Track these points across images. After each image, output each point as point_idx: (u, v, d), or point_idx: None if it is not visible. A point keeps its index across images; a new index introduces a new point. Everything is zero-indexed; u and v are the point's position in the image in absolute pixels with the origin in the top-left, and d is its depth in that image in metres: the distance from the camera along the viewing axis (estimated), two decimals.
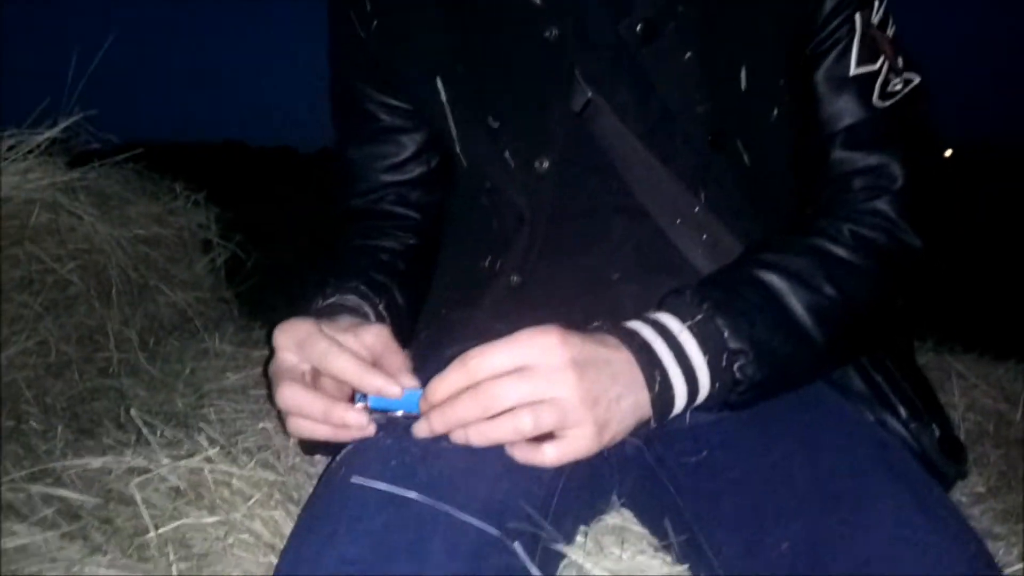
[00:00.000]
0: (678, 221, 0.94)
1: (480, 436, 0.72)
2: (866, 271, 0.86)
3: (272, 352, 0.82)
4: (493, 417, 0.72)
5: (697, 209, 0.94)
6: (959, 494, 1.09)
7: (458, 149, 1.01)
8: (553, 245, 0.97)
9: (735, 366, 0.78)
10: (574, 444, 0.72)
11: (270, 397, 0.84)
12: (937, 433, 0.91)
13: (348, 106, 1.12)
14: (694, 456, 0.86)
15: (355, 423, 0.75)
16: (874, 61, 0.93)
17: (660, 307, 0.81)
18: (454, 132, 1.00)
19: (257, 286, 2.30)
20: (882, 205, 0.89)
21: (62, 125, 1.57)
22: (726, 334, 0.78)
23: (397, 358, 0.80)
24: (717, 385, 0.78)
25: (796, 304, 0.83)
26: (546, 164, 0.95)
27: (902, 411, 0.91)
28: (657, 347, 0.76)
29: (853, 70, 0.92)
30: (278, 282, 2.42)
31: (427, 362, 0.91)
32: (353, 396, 0.79)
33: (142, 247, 1.83)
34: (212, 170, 2.39)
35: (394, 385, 0.75)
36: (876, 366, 0.95)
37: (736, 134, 0.93)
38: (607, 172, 0.95)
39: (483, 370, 0.71)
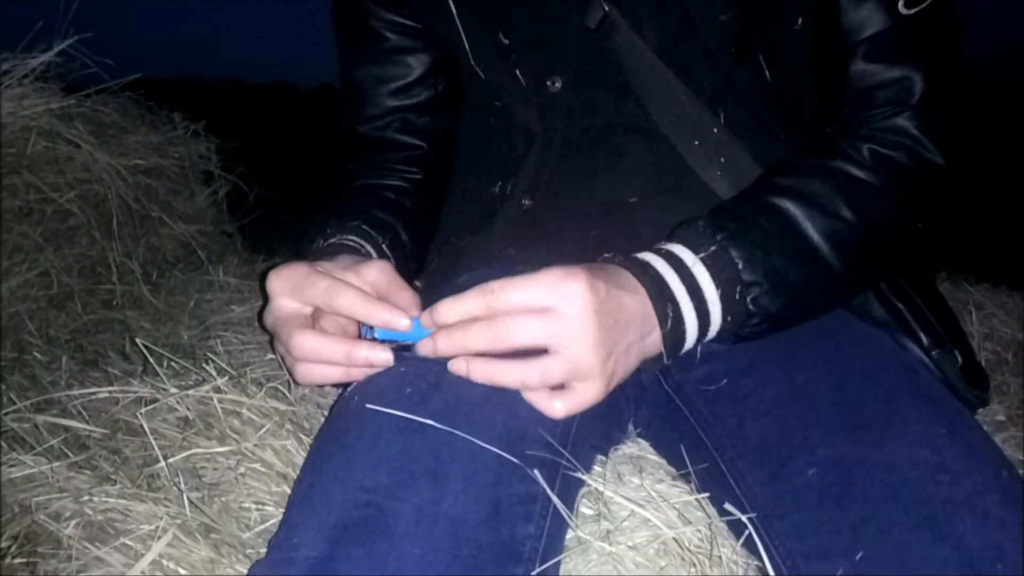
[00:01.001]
0: (696, 143, 0.91)
1: (481, 372, 0.70)
2: (886, 193, 0.83)
3: (267, 300, 0.79)
4: (501, 357, 0.70)
5: (716, 130, 0.90)
6: (980, 422, 1.08)
7: (472, 62, 0.97)
8: (566, 167, 0.95)
9: (748, 299, 0.76)
10: (581, 397, 0.71)
11: (272, 345, 0.81)
12: (960, 360, 0.89)
13: (353, 25, 1.08)
14: (714, 384, 0.85)
15: (381, 361, 0.73)
16: None
17: (672, 238, 0.78)
18: (467, 47, 0.96)
19: (260, 219, 2.27)
20: (903, 121, 0.85)
21: (57, 48, 1.52)
22: (740, 266, 0.75)
23: (404, 294, 0.77)
24: (729, 319, 0.75)
25: (813, 231, 0.79)
26: (559, 83, 0.92)
27: (924, 338, 0.89)
28: (670, 280, 0.74)
29: None
30: (281, 216, 2.39)
31: (437, 290, 0.89)
32: (359, 334, 0.76)
33: (142, 177, 1.79)
34: (211, 104, 2.34)
35: (403, 316, 0.73)
36: (897, 293, 0.92)
37: (759, 46, 0.89)
38: (623, 91, 0.92)
39: (503, 302, 0.68)
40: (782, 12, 0.89)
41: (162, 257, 1.85)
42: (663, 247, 0.77)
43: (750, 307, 0.76)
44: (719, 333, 0.77)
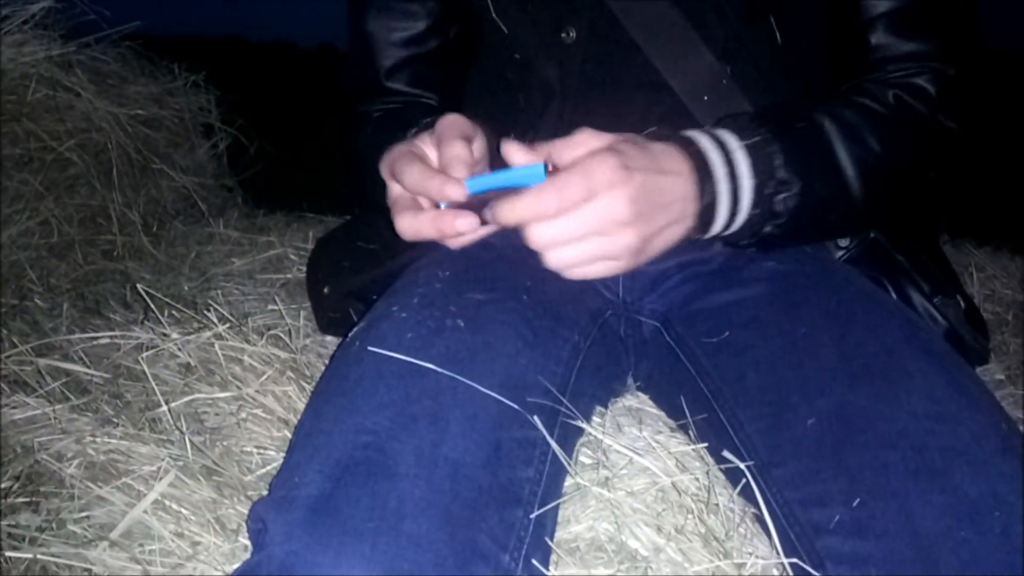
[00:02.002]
0: (704, 97, 0.90)
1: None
2: (908, 134, 0.84)
3: None
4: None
5: (725, 82, 0.90)
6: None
7: (494, 14, 0.95)
8: (580, 121, 0.94)
9: (778, 196, 0.76)
10: (606, 270, 0.70)
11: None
12: (963, 304, 0.90)
13: None
14: (716, 337, 0.85)
15: (466, 227, 0.70)
16: None
17: (718, 124, 0.78)
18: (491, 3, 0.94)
19: (261, 174, 2.26)
20: (924, 83, 0.86)
21: None
22: (778, 162, 0.76)
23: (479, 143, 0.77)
24: (757, 211, 0.76)
25: (843, 152, 0.81)
26: (573, 34, 0.91)
27: (925, 286, 0.90)
28: (712, 159, 0.73)
29: None
30: (282, 170, 2.38)
31: (447, 249, 0.88)
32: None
33: (142, 128, 1.78)
34: (211, 59, 2.31)
35: (456, 187, 0.70)
36: (899, 246, 0.93)
37: (771, 10, 0.88)
38: (634, 45, 0.91)
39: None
40: None
41: (163, 209, 1.85)
42: (709, 128, 0.77)
43: (777, 206, 0.76)
44: (741, 228, 0.77)
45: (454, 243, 0.73)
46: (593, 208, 0.66)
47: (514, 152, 0.70)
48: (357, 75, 1.07)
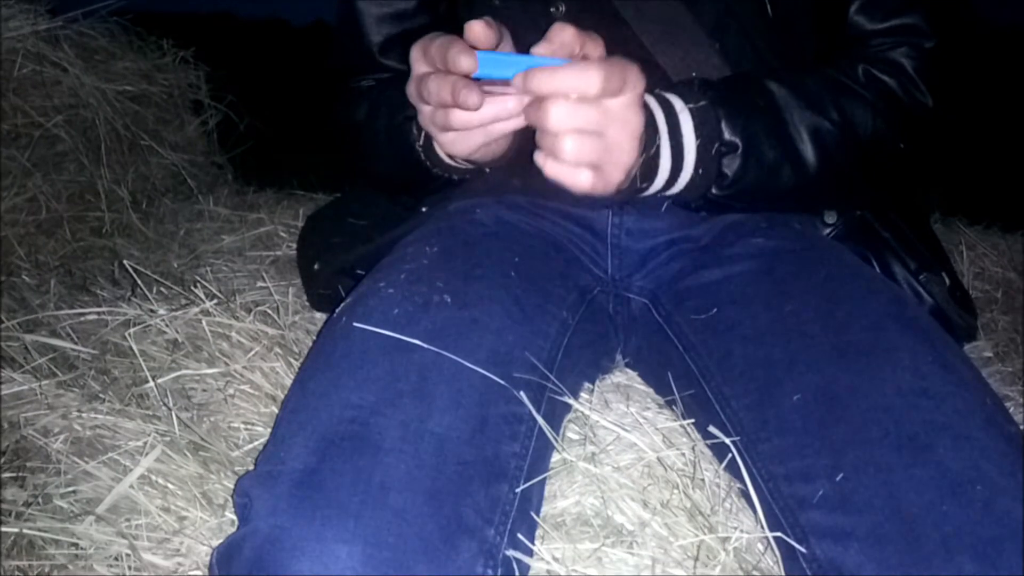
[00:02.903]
0: (693, 73, 0.89)
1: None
2: (873, 109, 0.85)
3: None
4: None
5: (714, 59, 0.89)
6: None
7: None
8: None
9: (723, 158, 0.78)
10: (605, 181, 0.71)
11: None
12: (947, 282, 0.90)
13: None
14: (704, 314, 0.85)
15: (470, 100, 0.68)
16: None
17: (668, 90, 0.79)
18: None
19: (251, 151, 2.24)
20: (900, 58, 0.87)
21: None
22: (722, 124, 0.78)
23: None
24: (700, 171, 0.77)
25: (797, 119, 0.82)
26: (562, 8, 0.90)
27: (911, 263, 0.90)
28: (657, 116, 0.75)
29: None
30: (272, 148, 2.37)
31: (434, 225, 0.88)
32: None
33: (130, 104, 1.77)
34: (201, 36, 2.29)
35: (467, 56, 0.68)
36: (885, 223, 0.93)
37: None
38: (621, 20, 0.90)
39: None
40: None
41: (152, 186, 1.83)
42: (658, 92, 0.78)
43: (723, 167, 0.78)
44: (688, 186, 0.78)
45: (464, 121, 0.72)
46: (618, 103, 0.68)
47: (561, 31, 0.69)
48: (347, 52, 1.05)
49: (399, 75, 1.00)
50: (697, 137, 0.76)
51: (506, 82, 0.70)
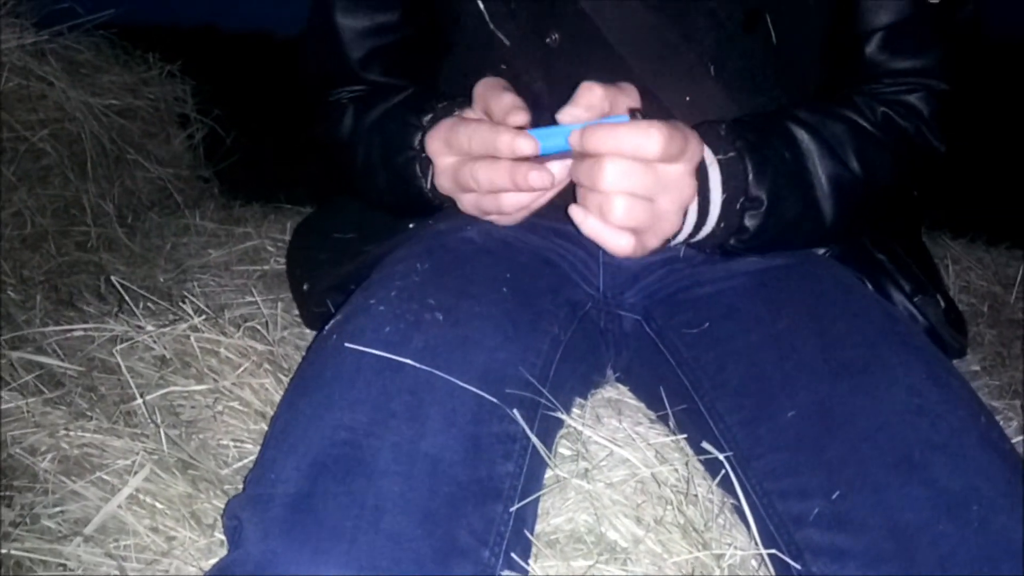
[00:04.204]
0: (687, 99, 0.89)
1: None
2: (892, 155, 0.84)
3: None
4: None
5: (711, 86, 0.88)
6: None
7: (491, 26, 0.92)
8: None
9: (746, 212, 0.77)
10: (642, 247, 0.71)
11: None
12: (943, 304, 0.90)
13: None
14: (696, 328, 0.85)
15: (540, 182, 0.69)
16: None
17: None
18: (483, 8, 0.90)
19: (237, 164, 2.23)
20: (917, 102, 0.86)
21: None
22: (749, 179, 0.76)
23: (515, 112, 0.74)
24: (722, 225, 0.76)
25: (820, 170, 0.81)
26: (556, 36, 0.89)
27: (906, 285, 0.90)
28: (711, 171, 0.75)
29: None
30: (259, 161, 2.36)
31: (425, 242, 0.87)
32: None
33: (116, 118, 1.76)
34: (186, 49, 2.28)
35: (525, 139, 0.69)
36: (880, 244, 0.93)
37: (768, 15, 0.87)
38: (611, 49, 0.89)
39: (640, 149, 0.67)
40: None
41: (138, 200, 1.82)
42: None
43: (745, 222, 0.77)
44: (705, 238, 0.78)
45: (519, 203, 0.73)
46: (673, 170, 0.67)
47: (589, 93, 0.69)
48: (324, 63, 1.02)
49: (380, 88, 0.99)
50: (724, 191, 0.75)
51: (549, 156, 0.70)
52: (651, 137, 0.65)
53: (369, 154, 0.92)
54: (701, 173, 0.74)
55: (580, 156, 0.69)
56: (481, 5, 0.91)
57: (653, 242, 0.71)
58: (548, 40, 0.88)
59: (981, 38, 0.91)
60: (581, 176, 0.69)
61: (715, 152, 0.75)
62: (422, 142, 0.81)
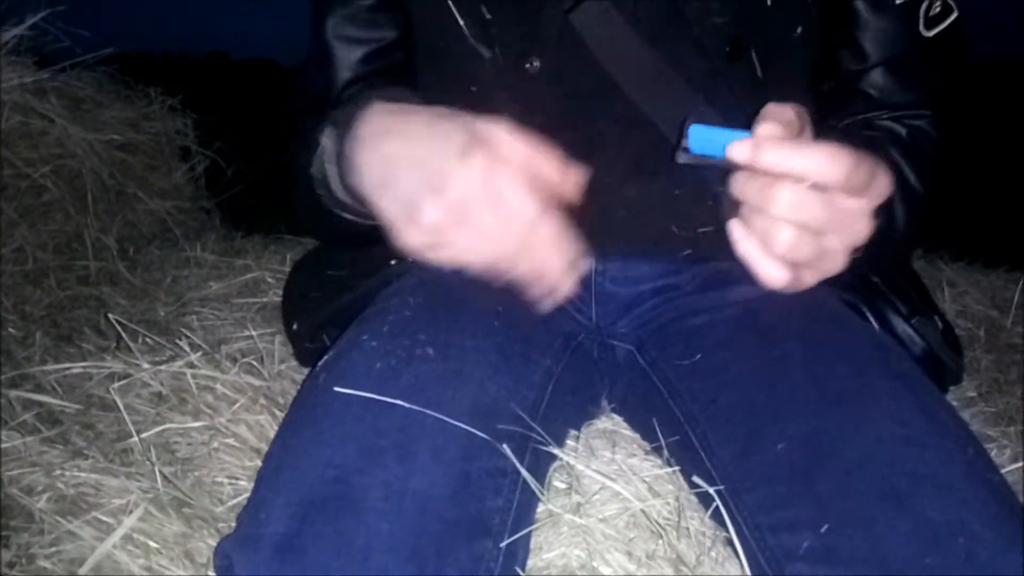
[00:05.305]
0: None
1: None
2: (931, 171, 0.87)
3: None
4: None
5: (706, 113, 0.89)
6: (951, 398, 1.09)
7: (471, 41, 0.90)
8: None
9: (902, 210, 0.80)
10: (797, 283, 0.68)
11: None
12: (940, 325, 0.90)
13: None
14: (687, 359, 0.85)
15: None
16: None
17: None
18: (461, 22, 0.90)
19: (239, 196, 2.25)
20: (924, 125, 0.89)
21: (30, 21, 1.50)
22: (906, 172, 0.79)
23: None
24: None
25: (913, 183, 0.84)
26: (537, 63, 0.89)
27: (902, 308, 0.90)
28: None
29: None
30: (260, 192, 2.37)
31: (417, 275, 0.87)
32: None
33: (117, 153, 1.78)
34: (188, 81, 2.31)
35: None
36: (872, 268, 0.93)
37: (753, 48, 0.88)
38: (601, 76, 0.90)
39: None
40: (780, 20, 0.88)
41: (138, 233, 1.84)
42: None
43: (898, 216, 0.79)
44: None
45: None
46: (853, 207, 0.63)
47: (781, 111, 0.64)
48: (311, 88, 1.02)
49: None
50: None
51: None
52: (838, 163, 0.60)
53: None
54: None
55: (750, 171, 0.63)
56: (460, 21, 0.90)
57: (810, 280, 0.68)
58: (528, 66, 0.88)
59: (970, 64, 0.92)
60: (748, 194, 0.64)
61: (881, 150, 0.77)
62: (322, 129, 0.79)
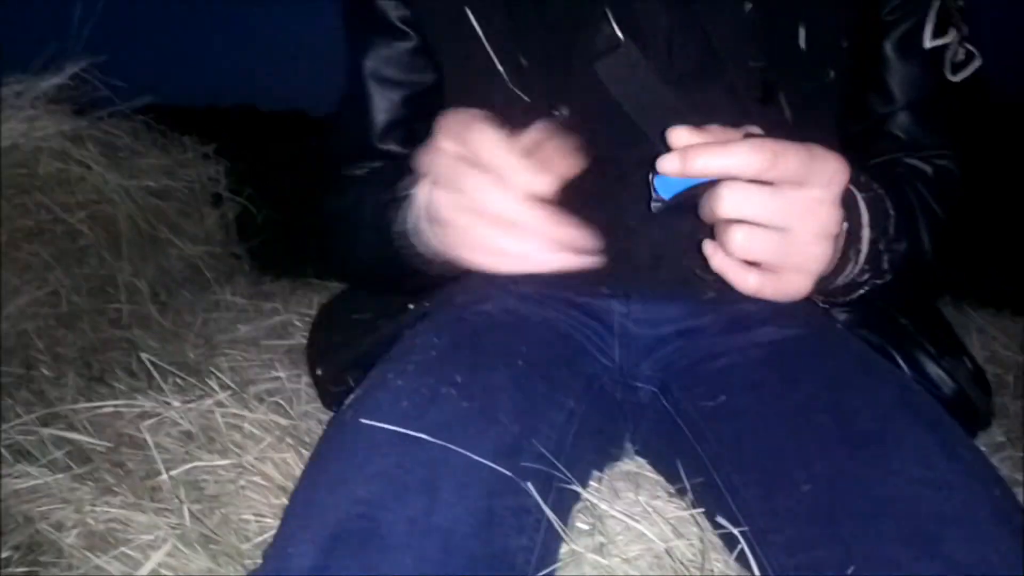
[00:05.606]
0: None
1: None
2: (951, 211, 0.87)
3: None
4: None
5: None
6: (980, 443, 1.08)
7: (509, 85, 0.91)
8: (571, 196, 0.93)
9: (885, 254, 0.77)
10: (786, 287, 0.69)
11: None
12: (970, 366, 0.90)
13: (373, 19, 0.99)
14: (712, 401, 0.85)
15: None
16: (947, 33, 0.90)
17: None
18: (500, 67, 0.91)
19: (268, 241, 2.29)
20: (950, 164, 0.90)
21: (69, 71, 1.55)
22: (892, 217, 0.77)
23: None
24: (866, 267, 0.76)
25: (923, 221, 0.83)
26: (565, 111, 0.91)
27: (931, 349, 0.90)
28: (863, 216, 0.75)
29: (928, 42, 0.89)
30: (289, 237, 2.41)
31: (441, 316, 0.88)
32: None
33: (152, 199, 1.82)
34: (221, 129, 2.37)
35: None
36: (902, 310, 0.93)
37: (785, 92, 0.89)
38: (628, 122, 0.91)
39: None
40: (814, 64, 0.90)
41: (170, 277, 1.87)
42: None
43: (883, 264, 0.77)
44: (847, 282, 0.78)
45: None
46: (804, 196, 0.64)
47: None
48: (347, 133, 1.04)
49: (394, 165, 0.98)
50: (872, 229, 0.75)
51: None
52: (759, 153, 0.62)
53: (362, 214, 0.92)
54: (851, 206, 0.72)
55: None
56: (499, 66, 0.91)
57: (795, 281, 0.68)
58: (556, 113, 0.90)
59: (994, 108, 0.94)
60: (705, 210, 0.66)
61: (858, 189, 0.75)
62: (410, 185, 0.82)
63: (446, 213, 0.75)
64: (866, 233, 0.75)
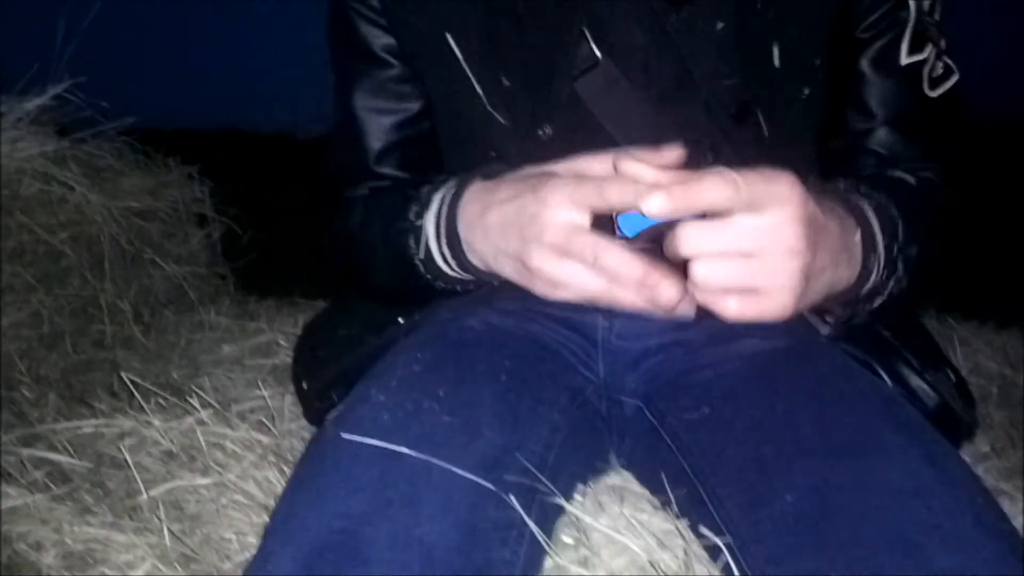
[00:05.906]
0: None
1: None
2: (936, 218, 0.89)
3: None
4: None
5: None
6: (965, 454, 1.08)
7: (488, 107, 0.93)
8: None
9: (899, 260, 0.78)
10: (765, 306, 0.69)
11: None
12: (953, 378, 0.90)
13: (356, 49, 1.01)
14: (695, 413, 0.85)
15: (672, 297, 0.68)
16: (923, 49, 0.91)
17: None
18: (479, 89, 0.93)
19: (253, 262, 2.28)
20: (931, 175, 0.91)
21: (51, 92, 1.55)
22: (899, 224, 0.78)
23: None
24: (884, 274, 0.78)
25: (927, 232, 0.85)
26: (549, 130, 0.92)
27: (914, 362, 0.90)
28: (873, 223, 0.76)
29: (904, 59, 0.90)
30: (274, 258, 2.41)
31: (425, 331, 0.88)
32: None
33: (135, 220, 1.81)
34: (205, 150, 2.37)
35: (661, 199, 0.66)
36: (883, 322, 0.94)
37: (761, 109, 0.90)
38: (609, 140, 0.91)
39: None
40: (788, 82, 0.90)
41: (154, 298, 1.86)
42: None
43: (898, 269, 0.78)
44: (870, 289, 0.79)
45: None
46: (761, 221, 0.65)
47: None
48: (344, 158, 1.05)
49: (393, 183, 1.02)
50: (884, 236, 0.77)
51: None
52: (727, 185, 0.64)
53: (370, 238, 0.94)
54: (863, 224, 0.74)
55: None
56: (478, 88, 0.93)
57: (777, 298, 0.69)
58: (540, 133, 0.91)
59: (973, 125, 0.95)
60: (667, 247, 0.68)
61: (867, 199, 0.77)
62: (419, 214, 0.84)
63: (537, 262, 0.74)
64: (880, 239, 0.76)
